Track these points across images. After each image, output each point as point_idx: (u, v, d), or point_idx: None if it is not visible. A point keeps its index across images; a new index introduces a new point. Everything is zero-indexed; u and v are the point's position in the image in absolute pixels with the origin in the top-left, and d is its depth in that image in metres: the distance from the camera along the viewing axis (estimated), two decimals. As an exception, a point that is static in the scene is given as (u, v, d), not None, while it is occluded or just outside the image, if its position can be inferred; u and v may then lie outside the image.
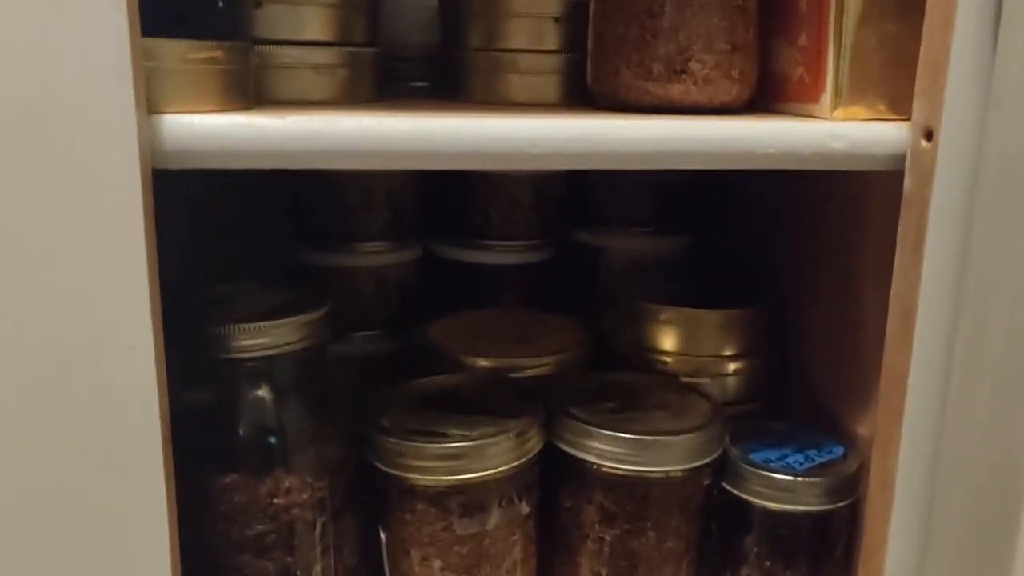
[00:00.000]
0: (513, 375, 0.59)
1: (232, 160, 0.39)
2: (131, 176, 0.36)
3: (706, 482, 0.53)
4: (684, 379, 0.60)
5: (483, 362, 0.59)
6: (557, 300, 0.71)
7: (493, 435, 0.49)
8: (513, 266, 0.71)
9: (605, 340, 0.64)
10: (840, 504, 0.52)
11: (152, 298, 0.37)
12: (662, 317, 0.62)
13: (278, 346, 0.46)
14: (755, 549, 0.54)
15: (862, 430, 0.54)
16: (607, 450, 0.51)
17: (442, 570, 0.51)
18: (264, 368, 0.47)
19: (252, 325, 0.46)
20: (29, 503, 0.38)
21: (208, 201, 0.63)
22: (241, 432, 0.47)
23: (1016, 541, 0.46)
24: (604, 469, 0.51)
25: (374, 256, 0.67)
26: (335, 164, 0.41)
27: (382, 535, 0.52)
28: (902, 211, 0.46)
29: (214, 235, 0.65)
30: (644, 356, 0.62)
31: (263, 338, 0.46)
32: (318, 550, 0.50)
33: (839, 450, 0.54)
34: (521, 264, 0.71)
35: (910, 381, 0.46)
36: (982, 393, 0.45)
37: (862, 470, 0.53)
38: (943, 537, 0.48)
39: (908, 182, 0.45)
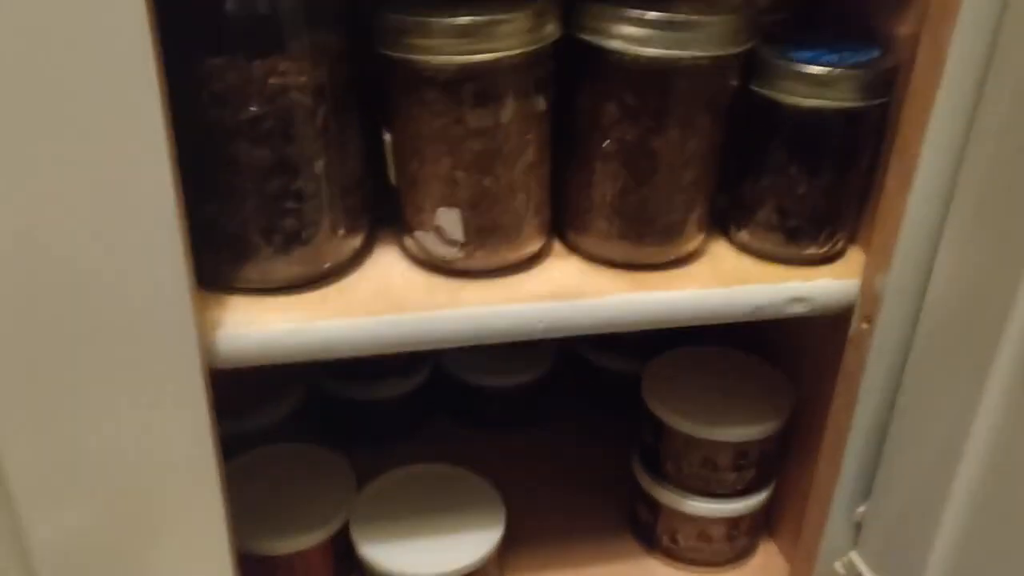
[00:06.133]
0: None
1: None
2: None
3: (734, 82, 0.50)
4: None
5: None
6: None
7: (508, 12, 0.45)
8: None
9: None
10: (874, 102, 0.51)
11: None
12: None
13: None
14: (780, 155, 0.52)
15: (902, 29, 0.52)
16: (633, 33, 0.46)
17: (452, 169, 0.47)
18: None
19: None
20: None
21: None
22: (230, 8, 0.43)
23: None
24: (628, 57, 0.47)
25: None
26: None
27: (387, 138, 0.49)
28: None
29: None
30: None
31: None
32: (319, 144, 0.46)
33: (875, 51, 0.52)
34: None
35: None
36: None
37: (898, 71, 0.51)
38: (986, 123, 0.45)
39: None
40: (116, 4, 0.36)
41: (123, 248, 0.41)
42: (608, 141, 0.50)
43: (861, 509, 0.58)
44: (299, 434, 0.72)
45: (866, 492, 0.57)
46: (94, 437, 0.46)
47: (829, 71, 0.50)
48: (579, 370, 0.83)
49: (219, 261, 0.48)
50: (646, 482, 0.68)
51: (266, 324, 0.47)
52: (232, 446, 0.66)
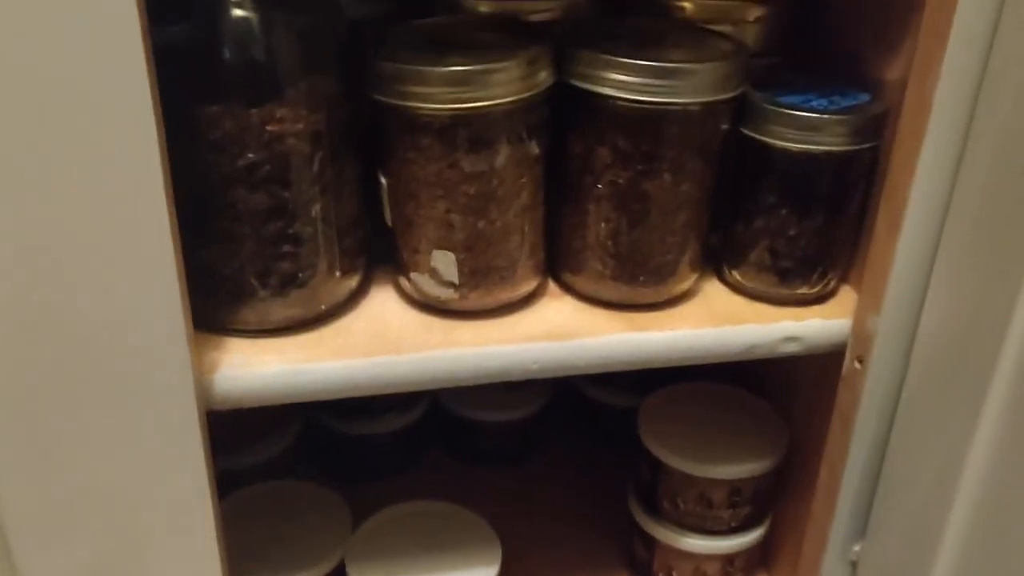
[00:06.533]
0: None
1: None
2: None
3: (725, 126, 0.51)
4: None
5: (485, 6, 0.58)
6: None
7: (501, 61, 0.45)
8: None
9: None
10: (864, 146, 0.51)
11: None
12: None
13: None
14: (772, 197, 0.53)
15: (891, 74, 0.52)
16: (625, 80, 0.47)
17: (447, 212, 0.48)
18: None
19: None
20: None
21: None
22: (227, 56, 0.43)
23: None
24: (620, 103, 0.48)
25: None
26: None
27: (383, 181, 0.50)
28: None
29: None
30: (660, 1, 0.59)
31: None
32: (316, 189, 0.46)
33: (865, 96, 0.53)
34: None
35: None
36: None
37: (888, 116, 0.51)
38: (976, 158, 0.46)
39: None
40: (116, 53, 0.37)
41: (122, 291, 0.42)
42: (601, 184, 0.50)
43: (857, 548, 0.58)
44: (295, 470, 0.72)
45: (861, 531, 0.57)
46: (90, 476, 0.46)
47: (819, 116, 0.50)
48: (576, 405, 0.84)
49: (217, 304, 0.48)
50: (642, 519, 0.68)
51: (263, 366, 0.47)
52: (228, 482, 0.66)
